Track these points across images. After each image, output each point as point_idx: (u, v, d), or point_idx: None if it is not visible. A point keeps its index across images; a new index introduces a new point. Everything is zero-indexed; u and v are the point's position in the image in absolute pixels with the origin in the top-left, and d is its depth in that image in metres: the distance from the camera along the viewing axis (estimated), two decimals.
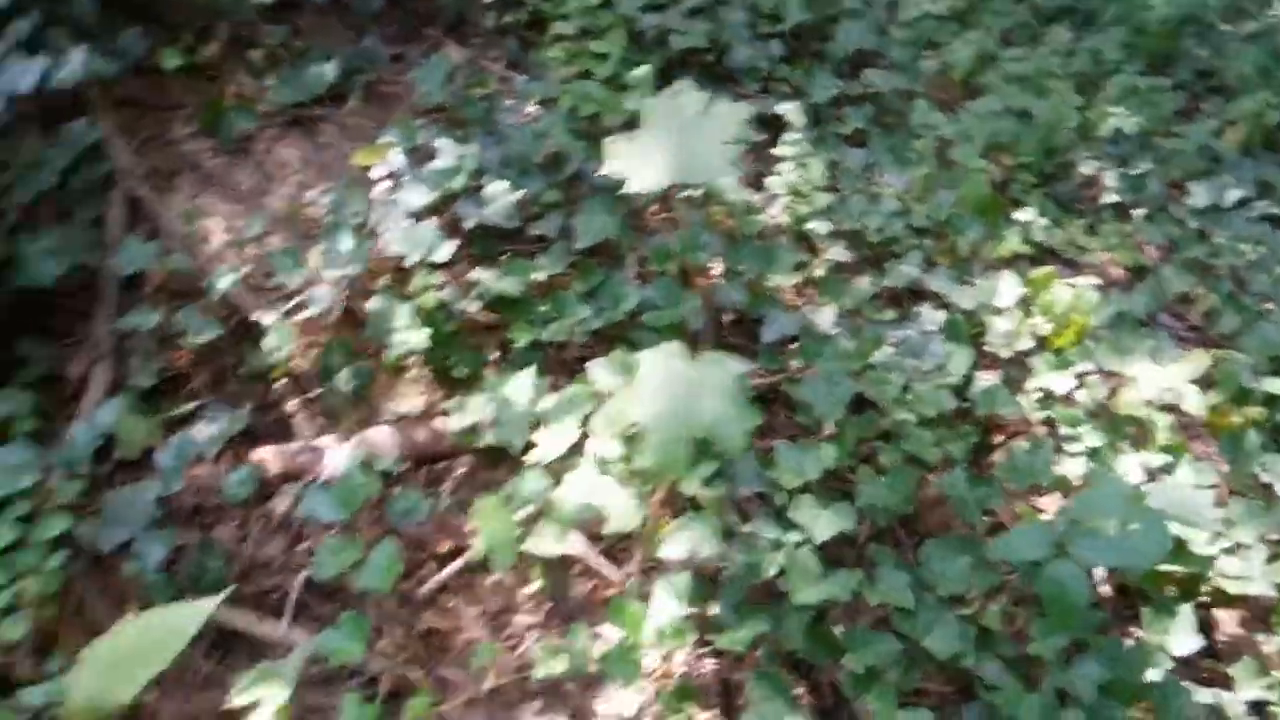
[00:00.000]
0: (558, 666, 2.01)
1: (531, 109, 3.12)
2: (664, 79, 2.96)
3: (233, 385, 2.45)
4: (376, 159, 2.87)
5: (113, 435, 2.14)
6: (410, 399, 2.54)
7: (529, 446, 2.17)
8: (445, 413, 2.49)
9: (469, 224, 2.62)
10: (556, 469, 2.07)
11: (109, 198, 2.61)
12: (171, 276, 2.57)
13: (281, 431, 2.42)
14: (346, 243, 2.44)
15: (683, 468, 1.74)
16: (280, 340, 2.35)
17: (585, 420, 2.08)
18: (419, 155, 2.88)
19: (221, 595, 1.24)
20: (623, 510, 1.90)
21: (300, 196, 2.98)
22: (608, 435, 1.97)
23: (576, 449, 2.09)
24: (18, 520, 1.79)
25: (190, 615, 1.22)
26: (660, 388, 1.67)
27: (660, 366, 1.69)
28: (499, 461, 2.46)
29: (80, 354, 2.37)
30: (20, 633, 1.72)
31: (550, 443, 2.08)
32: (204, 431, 2.17)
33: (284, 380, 2.47)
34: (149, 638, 1.19)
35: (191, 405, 2.34)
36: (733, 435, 1.70)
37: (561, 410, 2.03)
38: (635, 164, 2.00)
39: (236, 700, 1.58)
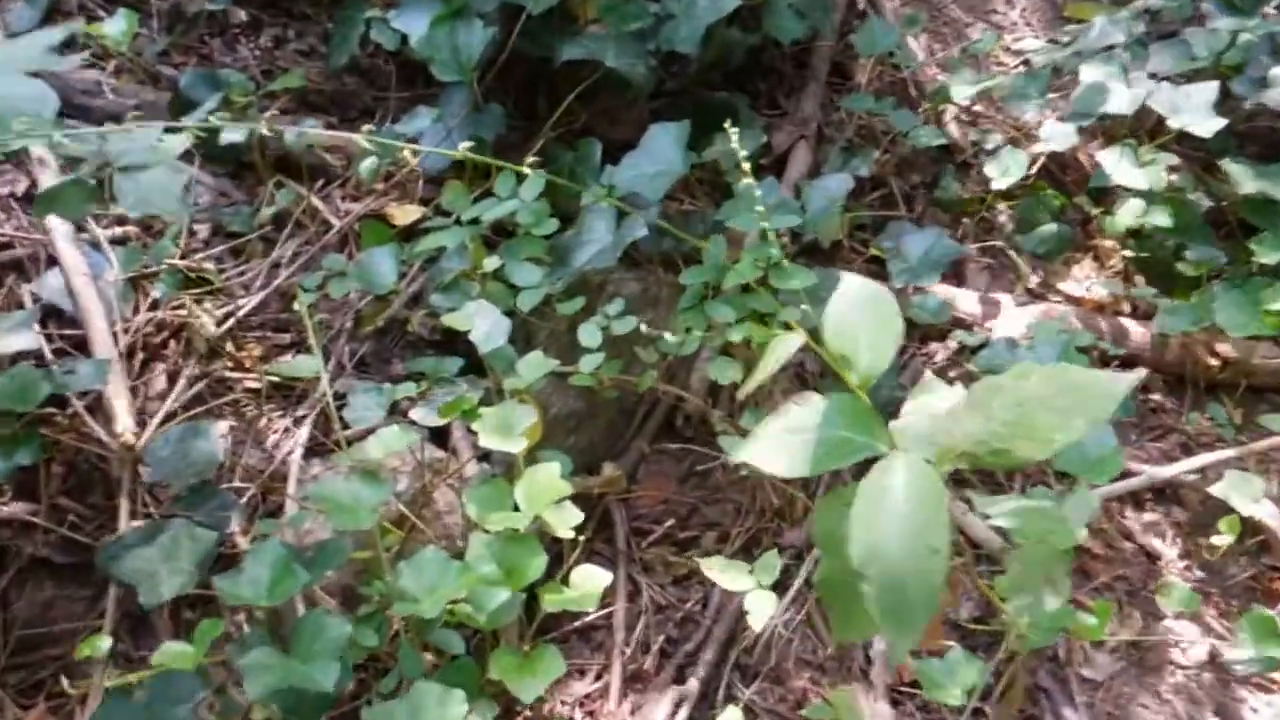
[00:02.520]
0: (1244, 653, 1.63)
1: None
2: None
3: (919, 205, 2.23)
4: (1093, 14, 2.48)
5: None
6: (1095, 282, 2.19)
7: None
8: (1135, 309, 2.14)
9: (1246, 105, 2.16)
10: None
11: None
12: (880, 74, 2.38)
13: (952, 272, 2.18)
14: (1105, 89, 2.08)
15: None
16: (1004, 169, 2.07)
17: None
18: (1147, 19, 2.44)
19: (1138, 374, 0.99)
20: None
21: (1003, 37, 2.67)
22: None
23: None
24: (754, 264, 1.67)
25: (1112, 386, 0.96)
26: None
27: None
28: (1179, 388, 2.08)
29: (785, 125, 2.24)
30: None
31: None
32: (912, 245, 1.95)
33: (970, 218, 2.21)
34: (1070, 398, 0.96)
35: (875, 214, 2.17)
36: None
37: None
38: None
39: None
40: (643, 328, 1.63)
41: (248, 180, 1.93)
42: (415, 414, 1.48)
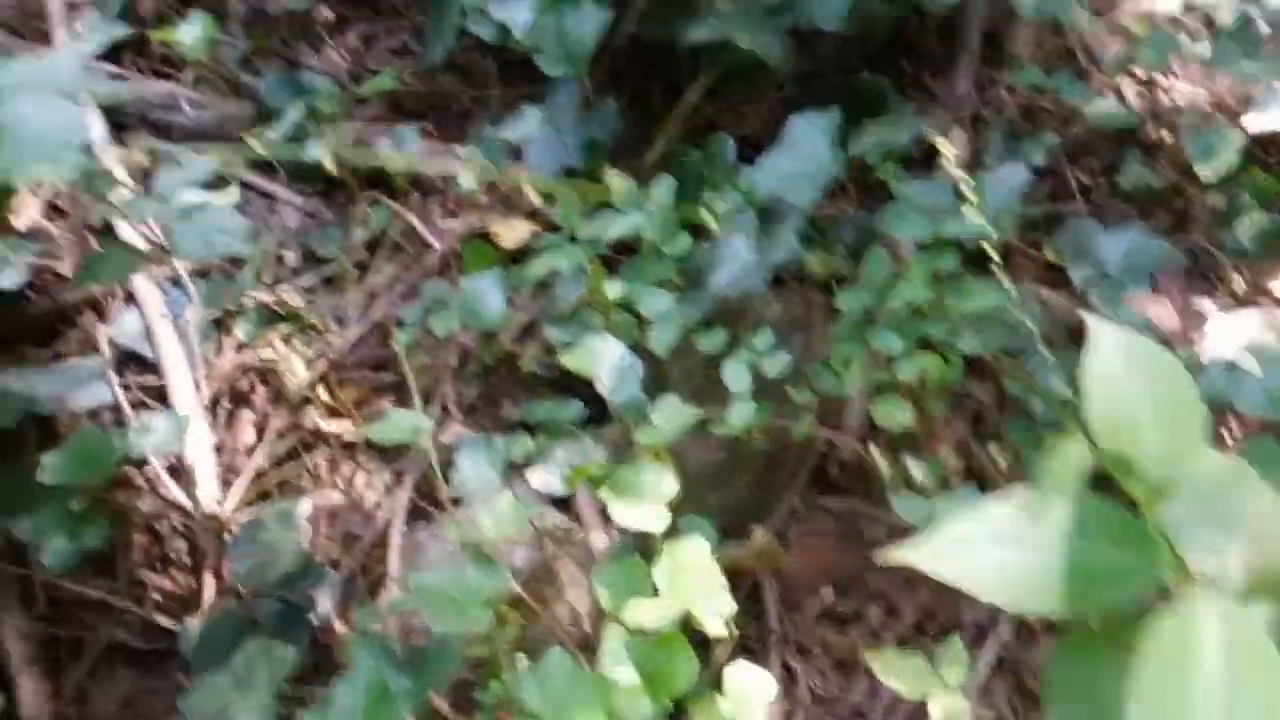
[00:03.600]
0: None
1: None
2: None
3: (1098, 197, 1.92)
4: None
5: None
6: None
7: None
8: None
9: None
10: None
11: None
12: (1040, 42, 2.07)
13: None
14: None
15: None
16: (1208, 150, 1.75)
17: None
18: None
19: None
20: None
21: None
22: None
23: None
24: (926, 281, 1.40)
25: None
26: None
27: None
28: None
29: (936, 110, 1.95)
30: None
31: None
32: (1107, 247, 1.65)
33: (1162, 210, 1.89)
34: None
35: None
36: None
37: None
38: None
39: None
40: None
41: (338, 197, 1.74)
42: (534, 478, 1.26)
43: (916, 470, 1.41)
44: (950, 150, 1.53)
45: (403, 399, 1.58)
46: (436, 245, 1.66)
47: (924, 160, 1.93)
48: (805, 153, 1.48)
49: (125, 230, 1.48)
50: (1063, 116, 1.94)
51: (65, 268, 1.57)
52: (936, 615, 1.41)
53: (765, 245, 1.43)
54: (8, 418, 1.31)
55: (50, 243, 1.63)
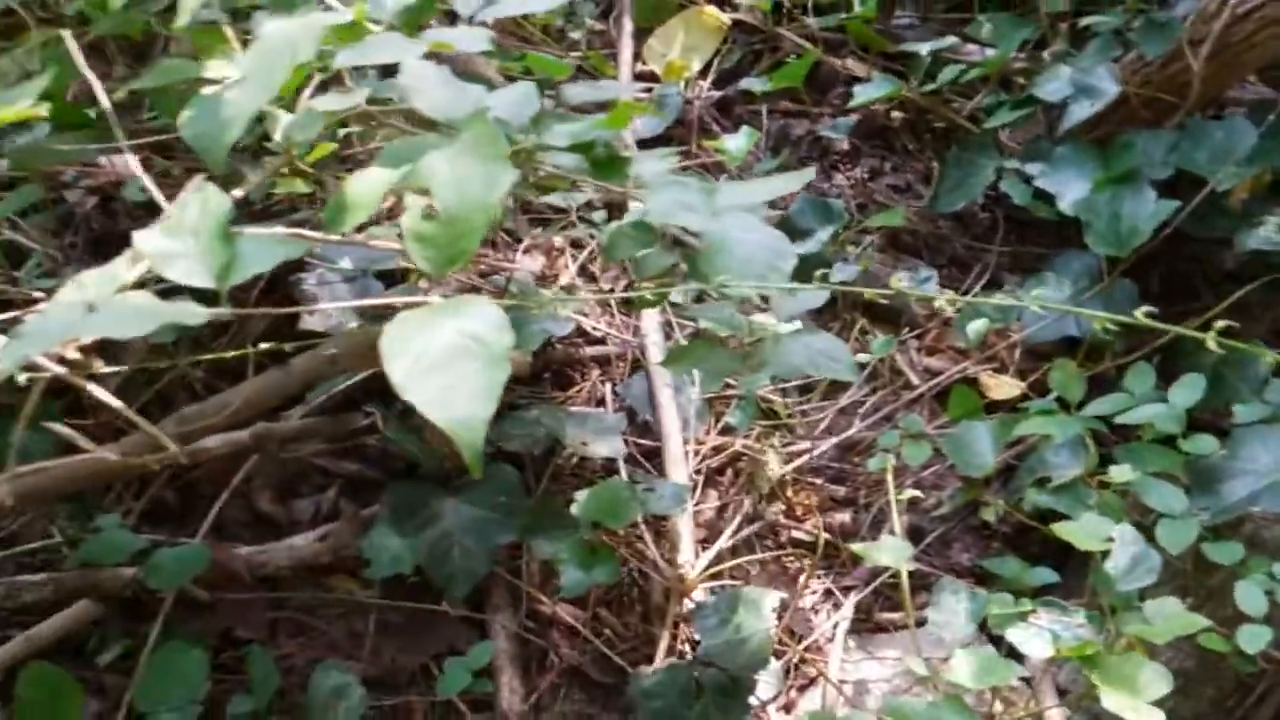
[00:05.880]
0: None
1: None
2: None
3: None
4: None
5: None
6: None
7: None
8: None
9: None
10: None
11: None
12: None
13: None
14: None
15: None
16: None
17: None
18: None
19: None
20: None
21: None
22: None
23: None
24: None
25: None
26: None
27: None
28: None
29: None
30: None
31: None
32: None
33: None
34: None
35: None
36: None
37: None
38: None
39: None
40: None
41: (824, 315, 1.84)
42: (1016, 636, 1.24)
43: None
44: None
45: (856, 515, 1.63)
46: (916, 381, 1.71)
47: None
48: None
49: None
50: None
51: (587, 324, 1.77)
52: None
53: None
54: (539, 446, 1.49)
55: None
